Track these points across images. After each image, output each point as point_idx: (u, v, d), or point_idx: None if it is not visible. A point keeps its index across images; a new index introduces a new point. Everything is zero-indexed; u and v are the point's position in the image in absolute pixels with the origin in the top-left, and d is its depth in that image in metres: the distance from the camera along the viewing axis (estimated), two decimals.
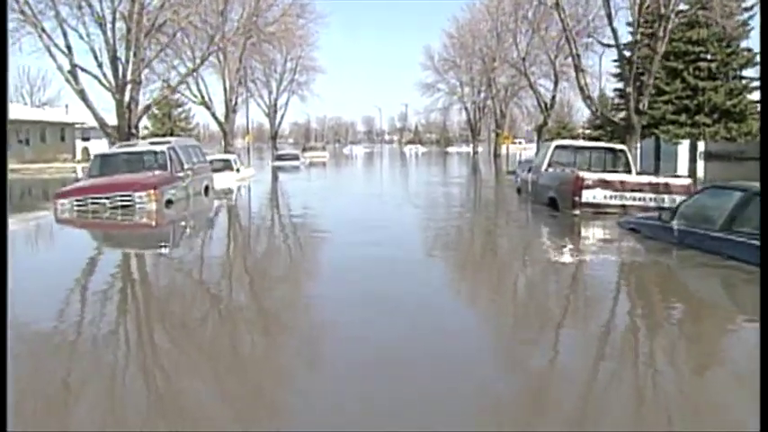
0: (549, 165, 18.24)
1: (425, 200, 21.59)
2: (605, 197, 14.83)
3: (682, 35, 48.54)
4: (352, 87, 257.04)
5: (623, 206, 14.81)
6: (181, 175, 20.09)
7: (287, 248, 13.37)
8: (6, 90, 23.94)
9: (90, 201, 17.54)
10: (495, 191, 27.40)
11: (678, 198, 14.47)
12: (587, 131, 70.25)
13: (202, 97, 51.14)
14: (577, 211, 14.91)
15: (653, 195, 14.80)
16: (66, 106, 72.57)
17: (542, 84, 61.50)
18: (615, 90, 60.44)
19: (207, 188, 23.05)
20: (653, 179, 15.22)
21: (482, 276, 10.22)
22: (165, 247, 13.74)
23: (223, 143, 55.51)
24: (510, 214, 18.34)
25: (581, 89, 32.70)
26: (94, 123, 58.16)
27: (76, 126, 62.47)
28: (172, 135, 74.40)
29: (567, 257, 11.26)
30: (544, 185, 17.43)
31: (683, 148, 55.10)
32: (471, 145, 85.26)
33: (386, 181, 34.59)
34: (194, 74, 49.33)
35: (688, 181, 15.26)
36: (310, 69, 77.30)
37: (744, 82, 50.67)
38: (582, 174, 15.27)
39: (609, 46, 45.90)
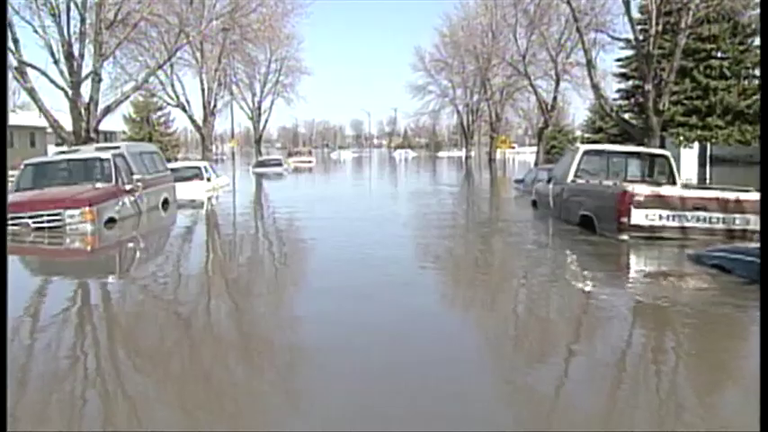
0: (577, 174, 14.87)
1: (420, 218, 18.08)
2: (661, 218, 11.45)
3: (692, 31, 45.43)
4: (340, 91, 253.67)
5: (683, 229, 11.45)
6: (129, 187, 16.64)
7: (246, 282, 10.06)
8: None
9: (9, 220, 13.97)
10: (502, 204, 23.24)
11: (752, 218, 11.17)
12: (587, 135, 67.11)
13: (178, 99, 47.54)
14: (624, 236, 11.51)
15: (721, 215, 11.45)
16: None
17: (540, 84, 58.42)
18: (619, 91, 57.16)
19: (166, 201, 19.62)
20: (720, 193, 11.79)
21: (520, 383, 5.40)
22: (98, 277, 10.39)
23: (201, 148, 52.14)
24: (531, 240, 13.79)
25: (594, 87, 29.50)
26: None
27: (48, 131, 58.60)
28: (150, 140, 71.05)
29: (652, 338, 6.68)
30: (573, 201, 14.06)
31: (689, 152, 52.13)
32: (464, 149, 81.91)
33: (374, 190, 31.13)
34: (170, 74, 46.15)
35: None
36: (295, 70, 73.75)
37: (758, 82, 47.58)
38: (631, 188, 11.87)
39: (623, 40, 42.83)
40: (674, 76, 28.45)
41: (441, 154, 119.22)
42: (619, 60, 53.97)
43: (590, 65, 28.94)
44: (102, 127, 62.18)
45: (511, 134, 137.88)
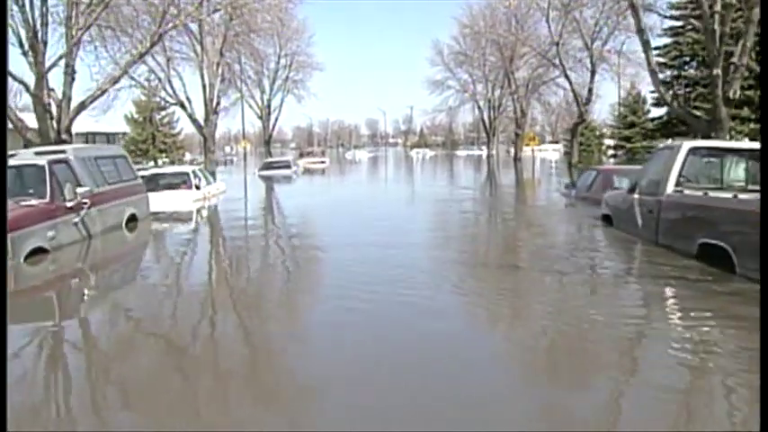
0: (680, 182, 10.59)
1: (455, 238, 13.82)
2: None
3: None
4: (355, 90, 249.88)
5: None
6: (72, 204, 12.55)
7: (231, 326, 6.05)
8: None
9: None
10: (557, 219, 17.11)
11: None
12: (618, 130, 62.51)
13: (176, 96, 43.55)
14: None
15: None
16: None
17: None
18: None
19: (133, 218, 15.53)
20: None
21: None
22: None
23: (204, 150, 48.15)
24: (633, 296, 8.33)
25: (652, 72, 25.08)
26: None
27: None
28: (153, 141, 67.18)
29: None
30: (683, 221, 9.82)
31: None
32: (486, 147, 77.58)
33: (397, 199, 26.79)
34: (167, 68, 42.20)
35: None
36: (306, 66, 69.84)
37: None
38: None
39: (676, 18, 38.48)
40: (746, 59, 23.91)
41: (459, 152, 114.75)
42: (656, 49, 49.31)
43: (647, 46, 24.57)
44: (102, 128, 59.25)
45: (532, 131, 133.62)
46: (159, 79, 43.26)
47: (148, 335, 7.19)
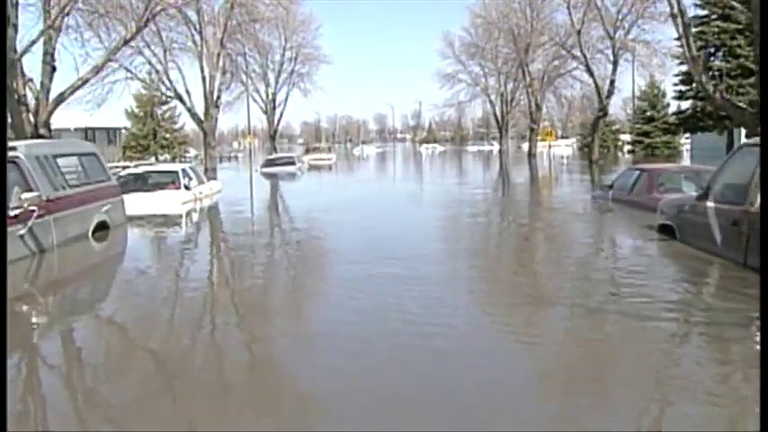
0: None
1: (473, 256, 11.60)
2: None
3: None
4: (363, 85, 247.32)
5: None
6: (16, 212, 10.31)
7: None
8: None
9: None
10: (597, 228, 14.64)
11: None
12: (638, 125, 60.03)
13: (174, 88, 41.31)
14: None
15: None
16: None
17: (584, 70, 51.56)
18: (678, 75, 49.71)
19: (102, 226, 13.27)
20: None
21: None
22: None
23: (204, 145, 45.88)
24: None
25: (693, 59, 22.68)
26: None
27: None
28: (155, 137, 64.95)
29: None
30: None
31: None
32: (497, 142, 75.19)
33: (410, 201, 24.36)
34: (165, 59, 39.95)
35: None
36: (313, 59, 67.64)
37: None
38: None
39: (704, 6, 36.32)
40: None
41: (470, 148, 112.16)
42: (678, 39, 46.60)
43: (688, 29, 22.21)
44: (101, 123, 56.98)
45: (526, 128, 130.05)
46: (157, 71, 41.05)
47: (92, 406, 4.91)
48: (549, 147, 51.14)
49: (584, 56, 38.08)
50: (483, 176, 36.19)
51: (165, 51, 39.23)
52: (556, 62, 53.12)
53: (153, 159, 62.64)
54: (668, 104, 60.91)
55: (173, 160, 64.60)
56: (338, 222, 15.56)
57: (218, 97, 44.81)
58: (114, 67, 38.95)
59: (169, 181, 20.07)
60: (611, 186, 17.30)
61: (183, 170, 20.98)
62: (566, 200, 21.08)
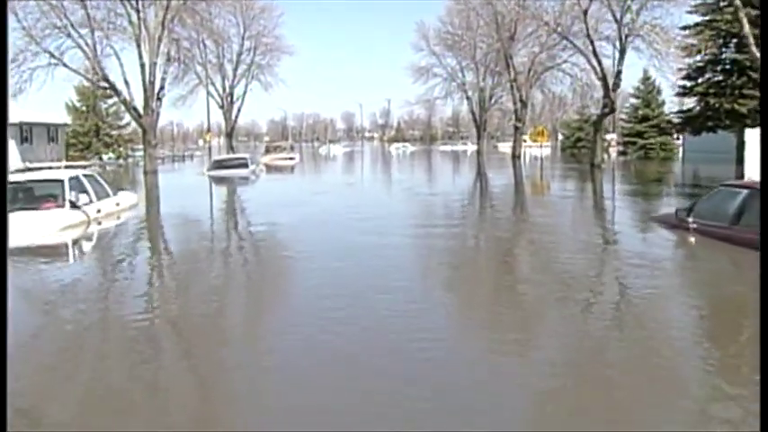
0: None
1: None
2: None
3: None
4: (331, 82, 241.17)
5: None
6: None
7: None
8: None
9: None
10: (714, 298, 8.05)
11: None
12: (630, 125, 54.99)
13: (105, 77, 35.19)
14: None
15: None
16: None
17: (575, 62, 46.37)
18: (681, 69, 44.26)
19: None
20: None
21: None
22: None
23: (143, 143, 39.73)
24: None
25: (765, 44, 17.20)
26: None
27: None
28: (97, 134, 58.43)
29: None
30: None
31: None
32: (475, 142, 69.81)
33: (385, 215, 18.57)
34: (92, 42, 33.88)
35: None
36: (275, 49, 61.72)
37: None
38: None
39: None
40: None
41: (442, 148, 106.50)
42: (685, 29, 41.24)
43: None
44: (42, 118, 50.38)
45: (500, 128, 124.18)
46: (89, 57, 34.90)
47: None
48: (541, 147, 45.42)
49: (591, 41, 32.51)
50: (473, 186, 30.42)
51: (92, 32, 33.19)
52: (543, 54, 47.70)
53: (97, 159, 56.55)
54: (663, 102, 56.07)
55: (117, 159, 58.50)
56: (285, 269, 9.90)
57: (162, 88, 38.82)
58: (35, 51, 33.21)
59: (47, 196, 14.16)
60: (689, 210, 11.69)
61: (73, 179, 14.95)
62: (612, 228, 15.18)
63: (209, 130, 69.41)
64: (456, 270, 10.25)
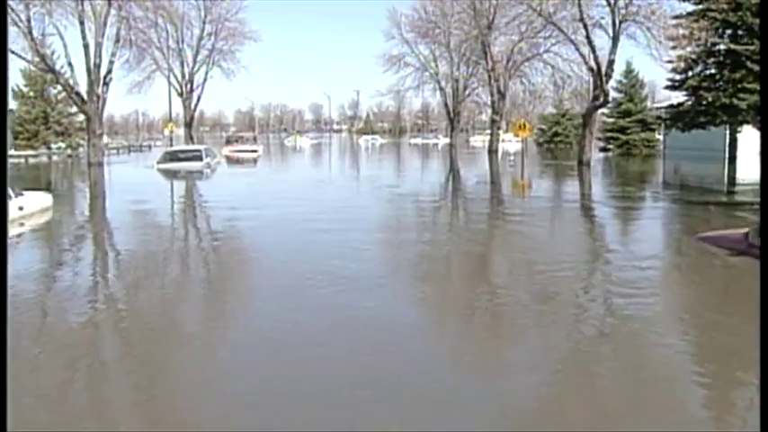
0: None
1: None
2: None
3: None
4: (299, 73, 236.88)
5: None
6: None
7: None
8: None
9: None
10: None
11: None
12: (612, 119, 52.21)
13: (40, 54, 31.49)
14: None
15: None
16: None
17: (557, 52, 43.62)
18: (671, 61, 41.24)
19: None
20: None
21: None
22: None
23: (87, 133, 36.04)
24: None
25: None
26: None
27: None
28: (46, 121, 54.46)
29: None
30: None
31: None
32: (449, 135, 66.72)
33: (354, 219, 15.53)
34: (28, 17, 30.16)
35: None
36: (237, 35, 57.98)
37: None
38: None
39: None
40: None
41: (413, 140, 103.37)
42: (677, 18, 38.36)
43: None
44: None
45: (471, 121, 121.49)
46: (24, 35, 31.14)
47: None
48: (524, 141, 41.99)
49: (585, 26, 29.45)
50: (452, 190, 27.25)
51: (27, 7, 29.51)
52: (524, 44, 44.79)
53: (45, 149, 52.74)
54: (646, 96, 53.49)
55: (68, 149, 54.68)
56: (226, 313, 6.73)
57: (109, 72, 35.12)
58: None
59: None
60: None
61: None
62: (656, 258, 10.68)
63: (171, 119, 65.78)
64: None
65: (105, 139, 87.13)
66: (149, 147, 70.09)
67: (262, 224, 13.83)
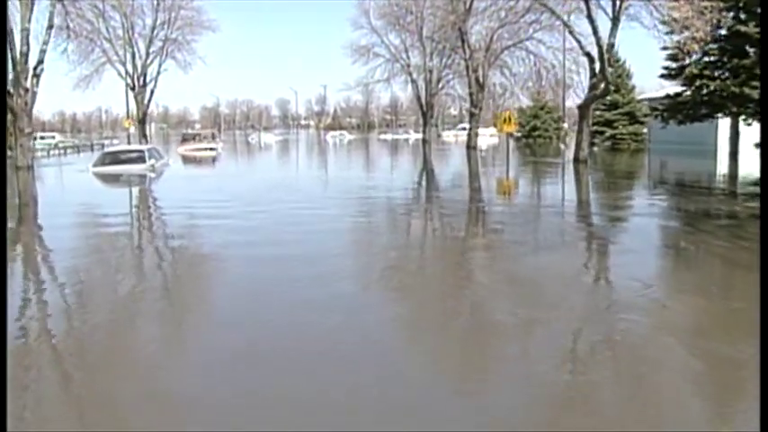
0: None
1: None
2: None
3: None
4: (265, 68, 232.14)
5: None
6: None
7: None
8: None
9: None
10: None
11: None
12: (598, 112, 48.74)
13: None
14: None
15: None
16: None
17: (545, 40, 40.41)
18: (665, 48, 37.71)
19: None
20: None
21: None
22: None
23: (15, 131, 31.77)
24: None
25: None
26: None
27: None
28: None
29: None
30: None
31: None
32: (422, 130, 63.21)
33: (325, 233, 11.64)
34: None
35: None
36: (194, 24, 53.89)
37: None
38: None
39: None
40: None
41: (384, 136, 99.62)
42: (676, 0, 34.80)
43: None
44: None
45: (440, 115, 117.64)
46: None
47: None
48: (507, 137, 37.57)
49: (588, 5, 25.66)
50: (422, 183, 23.26)
51: None
52: (501, 31, 41.30)
53: None
54: (634, 87, 50.23)
55: None
56: None
57: (40, 62, 30.82)
58: None
59: None
60: None
61: None
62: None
63: (128, 115, 61.49)
64: None
65: (58, 136, 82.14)
66: (102, 145, 65.42)
67: (203, 253, 9.80)
